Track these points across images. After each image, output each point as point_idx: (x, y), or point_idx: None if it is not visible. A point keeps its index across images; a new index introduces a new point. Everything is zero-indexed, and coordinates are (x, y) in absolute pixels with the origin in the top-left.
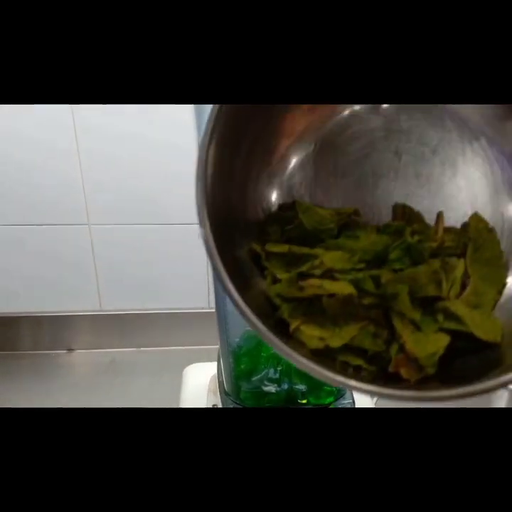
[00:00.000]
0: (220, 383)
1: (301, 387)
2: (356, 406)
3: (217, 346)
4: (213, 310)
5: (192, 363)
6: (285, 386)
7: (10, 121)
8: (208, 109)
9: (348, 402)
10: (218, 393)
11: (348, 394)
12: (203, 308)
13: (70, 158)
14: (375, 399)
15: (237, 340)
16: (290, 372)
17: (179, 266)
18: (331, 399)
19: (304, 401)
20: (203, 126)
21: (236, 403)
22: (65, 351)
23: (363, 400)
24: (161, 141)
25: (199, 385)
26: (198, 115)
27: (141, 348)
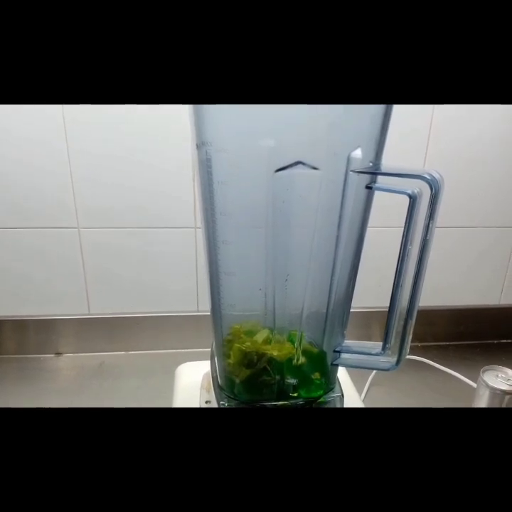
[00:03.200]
0: (214, 378)
1: (293, 381)
2: (344, 399)
3: (206, 349)
4: (202, 313)
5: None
6: (277, 380)
7: None
8: (206, 109)
9: (337, 395)
10: (211, 390)
11: (337, 387)
12: (192, 312)
13: (61, 161)
14: (362, 395)
15: (230, 336)
16: (282, 367)
17: (168, 269)
18: (320, 392)
19: (295, 394)
20: (202, 127)
21: (230, 397)
22: (52, 355)
23: (351, 396)
24: (153, 145)
25: (192, 383)
26: (197, 116)
27: (130, 352)
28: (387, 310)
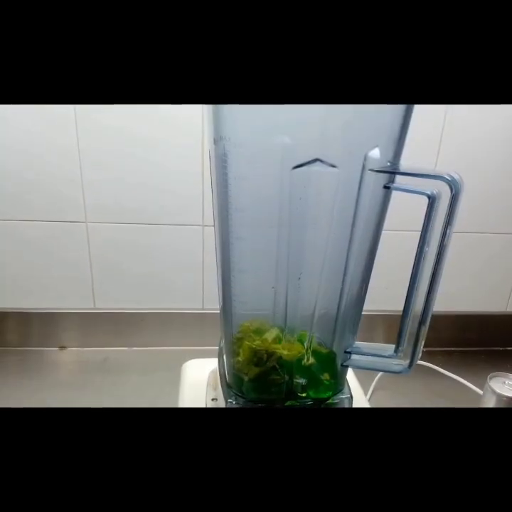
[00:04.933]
0: (222, 376)
1: (301, 381)
2: (353, 400)
3: (211, 347)
4: (208, 311)
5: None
6: (286, 379)
7: (10, 115)
8: (224, 105)
9: (346, 397)
10: (218, 387)
11: (346, 389)
12: (197, 309)
13: (70, 155)
14: (368, 395)
15: (240, 334)
16: (291, 366)
17: (175, 266)
18: (329, 393)
19: (304, 394)
20: (219, 122)
21: (238, 395)
22: (56, 348)
23: (358, 399)
24: (161, 141)
25: (198, 380)
26: (215, 110)
27: (134, 347)
28: (393, 314)
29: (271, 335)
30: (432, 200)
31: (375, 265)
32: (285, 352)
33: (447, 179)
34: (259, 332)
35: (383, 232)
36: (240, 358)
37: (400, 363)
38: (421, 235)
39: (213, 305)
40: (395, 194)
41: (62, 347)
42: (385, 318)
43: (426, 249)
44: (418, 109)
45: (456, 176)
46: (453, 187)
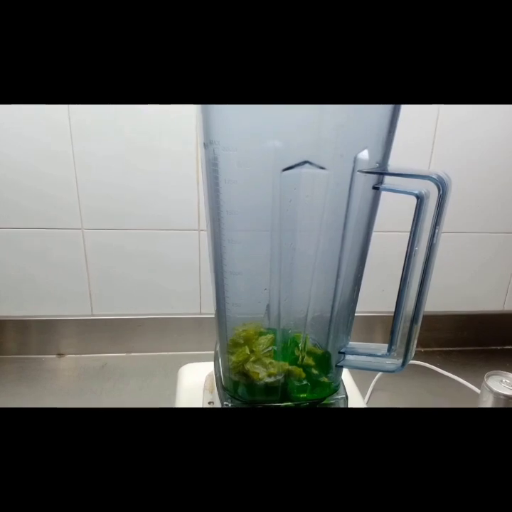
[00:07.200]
0: (217, 379)
1: (297, 382)
2: (348, 401)
3: (208, 352)
4: (205, 316)
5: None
6: (281, 380)
7: (4, 121)
8: (213, 108)
9: (342, 397)
10: (214, 391)
11: (341, 389)
12: (194, 314)
13: (65, 161)
14: (365, 400)
15: (235, 337)
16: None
17: (171, 271)
18: (324, 393)
19: (299, 396)
20: (209, 126)
21: (233, 398)
22: (54, 356)
23: (355, 400)
24: (156, 147)
25: (195, 383)
26: (204, 115)
27: (132, 353)
28: (390, 315)
29: (265, 339)
30: (420, 199)
31: (371, 267)
32: (271, 370)
33: (434, 179)
34: (253, 336)
35: (379, 233)
36: (234, 359)
37: (394, 362)
38: (410, 235)
39: (211, 310)
40: (390, 197)
41: (61, 354)
42: (382, 320)
43: (416, 248)
44: (410, 111)
45: (443, 176)
46: (440, 186)
